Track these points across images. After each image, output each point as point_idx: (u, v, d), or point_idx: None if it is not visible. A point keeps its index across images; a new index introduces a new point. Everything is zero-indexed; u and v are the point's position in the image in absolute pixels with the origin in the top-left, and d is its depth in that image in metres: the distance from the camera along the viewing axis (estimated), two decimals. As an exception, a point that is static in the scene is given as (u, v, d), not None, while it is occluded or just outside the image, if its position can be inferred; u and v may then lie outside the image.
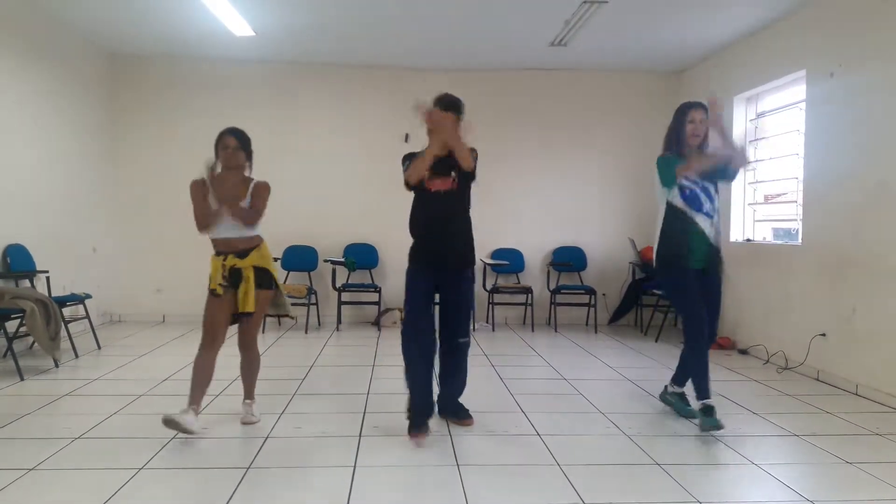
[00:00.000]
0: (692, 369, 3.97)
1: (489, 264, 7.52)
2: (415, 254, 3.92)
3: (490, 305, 7.62)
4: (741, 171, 4.06)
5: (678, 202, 3.90)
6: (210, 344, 3.81)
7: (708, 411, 3.79)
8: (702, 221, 3.88)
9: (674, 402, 4.18)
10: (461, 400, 4.00)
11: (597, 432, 3.83)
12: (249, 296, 3.80)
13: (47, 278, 5.81)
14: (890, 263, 4.56)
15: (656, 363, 5.73)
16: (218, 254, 3.86)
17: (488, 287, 7.58)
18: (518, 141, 7.95)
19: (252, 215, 3.82)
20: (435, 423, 3.89)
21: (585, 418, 4.09)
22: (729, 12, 5.82)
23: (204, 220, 3.84)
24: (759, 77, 6.28)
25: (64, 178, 6.57)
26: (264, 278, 3.89)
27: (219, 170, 3.85)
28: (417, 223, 3.94)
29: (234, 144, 3.80)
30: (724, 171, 3.93)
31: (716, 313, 4.02)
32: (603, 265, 7.98)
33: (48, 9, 6.05)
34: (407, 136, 7.71)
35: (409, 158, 3.95)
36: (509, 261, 7.66)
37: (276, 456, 3.36)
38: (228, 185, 3.81)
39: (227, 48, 7.03)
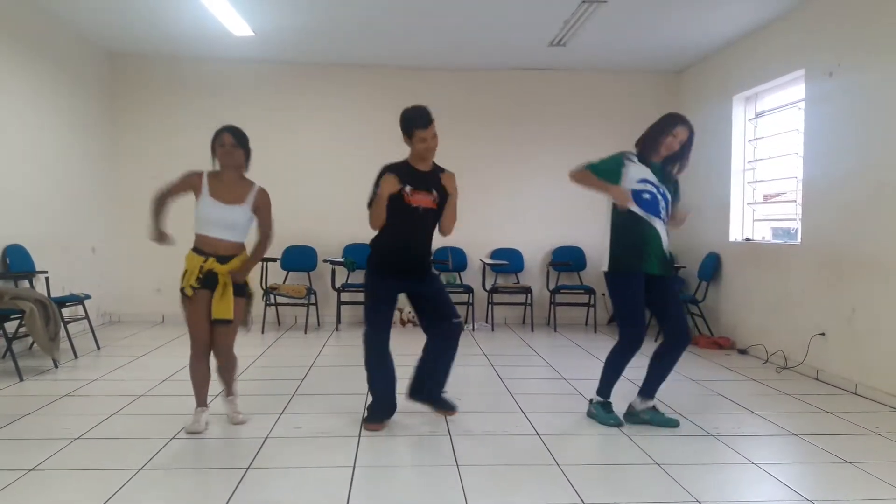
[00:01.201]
0: (615, 368, 3.92)
1: (488, 264, 7.52)
2: (382, 264, 3.92)
3: (489, 305, 7.62)
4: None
5: (635, 208, 3.83)
6: (201, 351, 3.71)
7: (608, 407, 3.94)
8: (659, 227, 3.84)
9: (649, 418, 3.93)
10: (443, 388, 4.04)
11: (596, 432, 3.83)
12: (227, 302, 3.65)
13: (46, 279, 5.81)
14: (889, 263, 4.57)
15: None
16: (198, 252, 3.70)
17: (487, 287, 7.58)
18: (517, 140, 7.95)
19: (264, 247, 3.85)
20: (435, 423, 3.90)
21: (585, 418, 4.08)
22: (728, 12, 5.83)
23: (153, 214, 3.85)
24: (758, 76, 6.28)
25: (63, 178, 6.56)
26: (241, 287, 3.76)
27: (217, 168, 3.78)
28: (392, 235, 3.90)
29: (231, 142, 3.70)
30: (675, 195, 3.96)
31: (682, 314, 3.98)
32: (602, 265, 7.96)
33: (48, 8, 6.05)
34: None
35: (382, 174, 3.99)
36: (508, 261, 7.67)
37: (275, 456, 3.36)
38: (226, 185, 3.74)
39: (227, 48, 7.03)
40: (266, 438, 3.60)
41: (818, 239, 5.32)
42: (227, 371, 3.86)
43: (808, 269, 5.42)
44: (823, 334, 5.21)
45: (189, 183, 3.75)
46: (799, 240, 5.63)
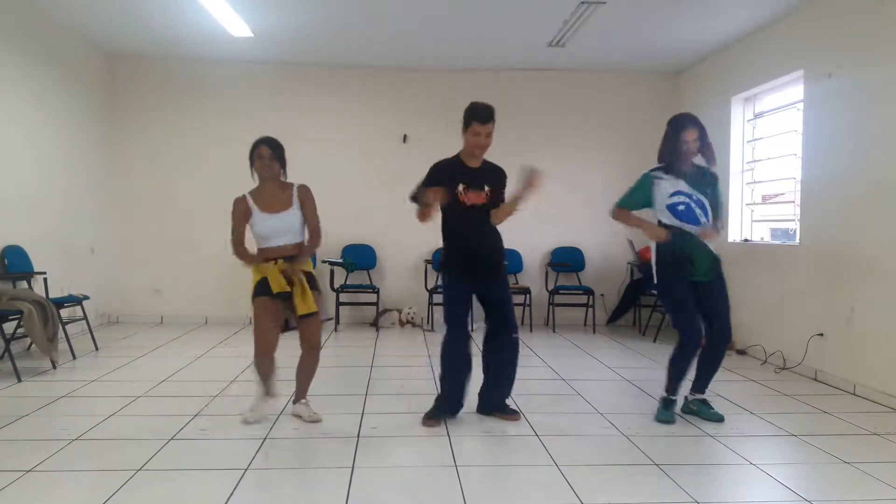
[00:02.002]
0: (679, 371, 4.00)
1: None
2: (450, 264, 3.95)
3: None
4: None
5: (669, 219, 3.92)
6: (269, 352, 3.89)
7: (669, 404, 4.02)
8: (698, 234, 3.91)
9: (697, 409, 4.10)
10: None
11: (595, 433, 3.83)
12: (308, 297, 3.83)
13: (45, 279, 5.80)
14: (888, 263, 4.57)
15: (655, 363, 5.74)
16: (267, 260, 3.84)
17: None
18: (516, 141, 7.92)
19: (315, 242, 3.97)
20: (436, 423, 3.90)
21: (584, 419, 4.09)
22: (727, 13, 5.83)
23: (236, 248, 3.88)
24: (756, 77, 6.29)
25: (62, 179, 6.56)
26: (313, 282, 3.95)
27: (255, 179, 3.94)
28: (453, 236, 3.96)
29: (269, 154, 3.86)
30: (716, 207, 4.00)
31: (727, 314, 4.02)
32: (601, 266, 7.99)
33: (46, 10, 6.04)
34: (405, 137, 7.72)
35: (434, 171, 4.06)
36: (508, 261, 7.65)
37: (274, 457, 3.36)
38: (270, 195, 3.89)
39: (225, 49, 7.03)
40: (265, 439, 3.59)
41: (817, 240, 5.32)
42: (310, 369, 4.00)
43: (806, 269, 5.42)
44: (822, 335, 5.21)
45: (241, 211, 3.89)
46: (797, 240, 5.63)
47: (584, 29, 6.22)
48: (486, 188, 3.91)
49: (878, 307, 4.66)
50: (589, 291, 7.56)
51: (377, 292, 7.50)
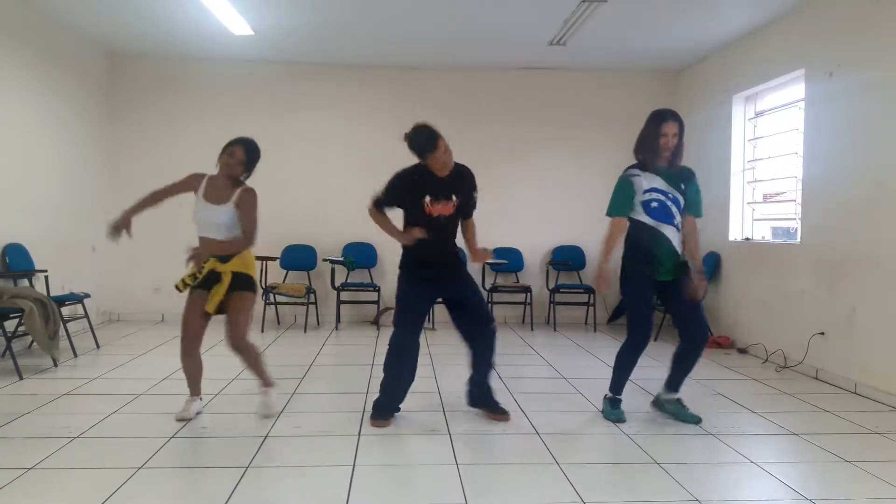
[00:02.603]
0: (623, 365, 4.00)
1: (488, 263, 7.52)
2: (411, 270, 3.93)
3: (489, 304, 7.61)
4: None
5: (642, 216, 3.89)
6: (188, 347, 3.86)
7: (616, 403, 4.02)
8: (670, 233, 3.87)
9: (672, 410, 4.05)
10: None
11: (596, 431, 3.83)
12: (216, 298, 3.78)
13: (46, 277, 5.81)
14: (889, 262, 4.57)
15: (655, 362, 5.72)
16: (197, 254, 3.84)
17: (487, 286, 7.57)
18: (516, 140, 7.95)
19: (243, 242, 3.85)
20: (434, 422, 3.90)
21: (584, 417, 4.09)
22: (728, 12, 5.82)
23: (139, 202, 4.05)
24: (758, 76, 6.28)
25: (62, 177, 6.56)
26: (246, 282, 3.87)
27: (215, 171, 3.91)
28: (417, 245, 3.89)
29: (240, 158, 3.85)
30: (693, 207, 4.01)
31: (700, 314, 3.98)
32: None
33: (47, 8, 6.04)
34: (406, 136, 7.70)
35: (396, 182, 3.99)
36: (508, 260, 7.66)
37: (275, 455, 3.36)
38: (218, 187, 3.87)
39: (226, 47, 7.03)
40: (266, 437, 3.59)
41: (818, 238, 5.32)
42: (252, 363, 3.96)
43: (807, 268, 5.42)
44: (823, 334, 5.21)
45: (190, 183, 3.90)
46: (798, 239, 5.63)
47: (584, 28, 6.21)
48: (454, 198, 3.87)
49: (879, 306, 4.65)
50: (590, 290, 7.56)
51: (378, 291, 7.50)
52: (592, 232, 7.93)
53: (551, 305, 7.65)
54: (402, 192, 3.92)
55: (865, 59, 4.86)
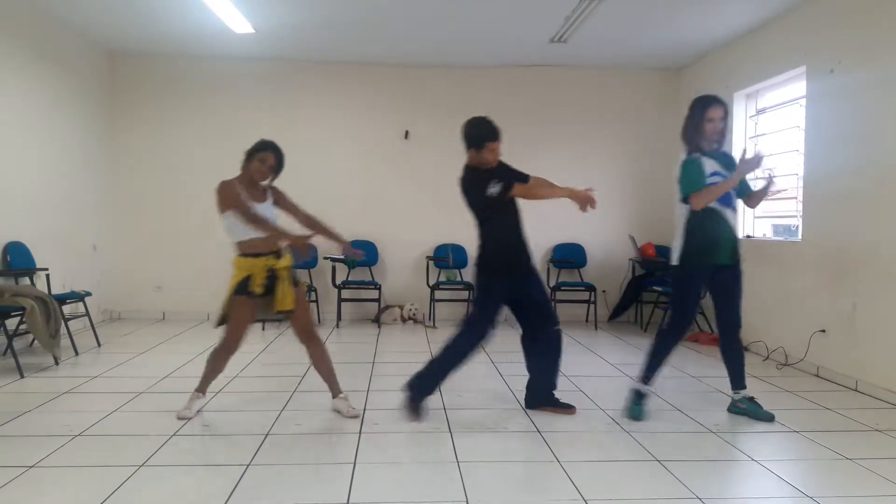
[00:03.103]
0: (657, 355, 4.02)
1: None
2: (505, 265, 4.01)
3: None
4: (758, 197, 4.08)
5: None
6: (236, 348, 3.91)
7: (642, 398, 4.01)
8: (730, 217, 3.92)
9: (746, 408, 4.05)
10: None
11: (597, 429, 3.83)
12: (288, 294, 3.83)
13: (47, 276, 5.81)
14: (890, 260, 4.56)
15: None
16: (254, 255, 3.80)
17: (488, 284, 7.56)
18: (518, 137, 7.89)
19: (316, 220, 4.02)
20: (436, 420, 3.90)
21: (586, 415, 4.09)
22: (729, 9, 5.81)
23: (265, 224, 3.80)
24: (759, 73, 6.27)
25: (64, 175, 6.56)
26: (295, 276, 3.98)
27: (239, 174, 3.92)
28: (512, 232, 4.09)
29: (273, 164, 3.89)
30: (746, 192, 4.05)
31: (739, 303, 4.04)
32: (603, 262, 7.98)
33: (48, 6, 6.04)
34: (407, 133, 7.72)
35: (498, 179, 4.05)
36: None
37: (276, 453, 3.36)
38: (252, 188, 3.90)
39: (227, 46, 7.02)
40: (267, 435, 3.60)
41: (819, 236, 5.32)
42: (326, 363, 4.02)
43: (808, 265, 5.42)
44: (824, 331, 5.20)
45: (238, 193, 3.83)
46: (800, 237, 5.62)
47: (585, 25, 6.21)
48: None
49: (880, 303, 4.65)
50: (591, 288, 7.55)
51: (379, 288, 7.50)
52: (593, 230, 7.96)
53: (552, 303, 7.63)
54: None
55: (867, 56, 4.85)
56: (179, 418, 3.84)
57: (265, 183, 3.97)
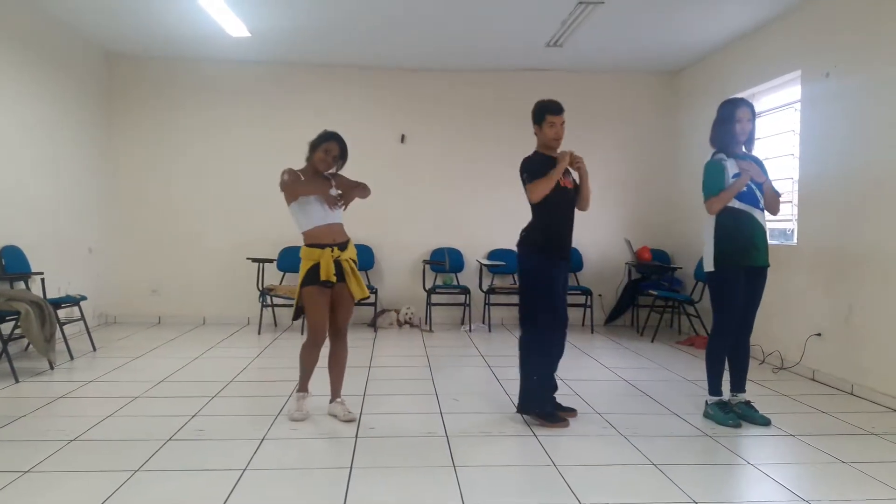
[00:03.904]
0: (718, 361, 4.05)
1: (485, 265, 7.52)
2: (552, 250, 4.04)
3: (486, 306, 7.61)
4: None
5: (737, 204, 3.90)
6: (322, 339, 3.94)
7: (725, 406, 4.02)
8: (760, 217, 3.94)
9: (742, 413, 4.05)
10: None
11: (593, 432, 3.83)
12: (361, 282, 3.95)
13: (42, 280, 5.79)
14: (885, 263, 4.58)
15: (652, 363, 5.74)
16: (320, 246, 3.86)
17: (484, 288, 7.57)
18: (514, 141, 7.93)
19: (361, 190, 4.06)
20: (431, 424, 3.90)
21: (581, 418, 4.09)
22: (725, 13, 5.84)
23: (301, 185, 3.86)
24: (754, 77, 6.29)
25: (59, 178, 6.55)
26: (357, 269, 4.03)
27: (305, 166, 3.98)
28: (556, 218, 4.10)
29: (337, 154, 3.94)
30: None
31: (755, 311, 4.05)
32: (599, 266, 7.99)
33: (45, 8, 6.03)
34: (403, 137, 7.72)
35: (528, 168, 4.17)
36: (505, 261, 7.65)
37: (272, 457, 3.35)
38: (314, 179, 3.93)
39: (223, 49, 7.03)
40: (263, 440, 3.59)
41: (814, 240, 5.33)
42: (342, 362, 4.07)
43: (804, 269, 5.43)
44: (820, 335, 5.22)
45: (297, 175, 3.89)
46: (795, 240, 5.64)
47: (582, 29, 6.22)
48: (571, 174, 4.26)
49: (876, 307, 4.66)
50: (587, 291, 7.56)
51: (375, 293, 7.50)
52: (589, 233, 7.97)
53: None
54: (543, 166, 4.11)
55: (862, 60, 4.88)
56: (292, 420, 3.89)
57: (330, 171, 4.01)
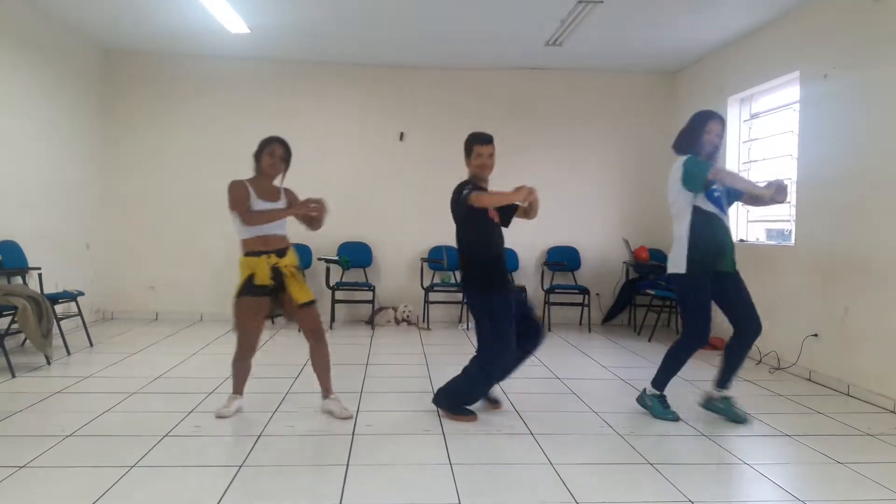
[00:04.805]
0: (676, 363, 4.06)
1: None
2: (496, 280, 3.97)
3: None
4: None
5: (708, 206, 3.90)
6: (252, 352, 4.00)
7: (665, 401, 4.07)
8: (729, 223, 3.98)
9: (723, 408, 4.10)
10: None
11: (590, 431, 3.84)
12: (303, 287, 3.92)
13: (39, 275, 5.79)
14: (882, 264, 4.59)
15: (649, 363, 5.75)
16: (257, 254, 3.86)
17: (482, 286, 7.57)
18: (512, 140, 7.94)
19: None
20: (429, 422, 3.90)
21: (578, 417, 4.09)
22: (723, 14, 5.84)
23: (256, 216, 3.82)
24: (753, 78, 6.30)
25: (57, 174, 6.54)
26: (303, 274, 4.05)
27: (256, 173, 3.96)
28: (493, 248, 4.02)
29: (281, 155, 3.93)
30: (738, 193, 4.02)
31: (753, 306, 4.04)
32: (597, 265, 7.99)
33: (43, 5, 6.02)
34: (402, 135, 7.72)
35: (468, 189, 3.99)
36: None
37: (268, 454, 3.35)
38: (265, 186, 3.94)
39: (222, 45, 7.02)
40: (259, 437, 3.59)
41: (812, 240, 5.34)
42: (326, 362, 4.07)
43: (801, 270, 5.44)
44: (816, 335, 5.22)
45: (246, 194, 3.87)
46: (793, 241, 5.65)
47: (581, 28, 6.22)
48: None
49: (873, 308, 4.67)
50: (584, 291, 7.57)
51: (373, 290, 7.50)
52: (588, 233, 7.99)
53: (546, 306, 7.66)
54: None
55: (860, 61, 4.88)
56: (218, 417, 3.89)
57: (278, 183, 4.02)
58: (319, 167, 7.73)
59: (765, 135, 6.41)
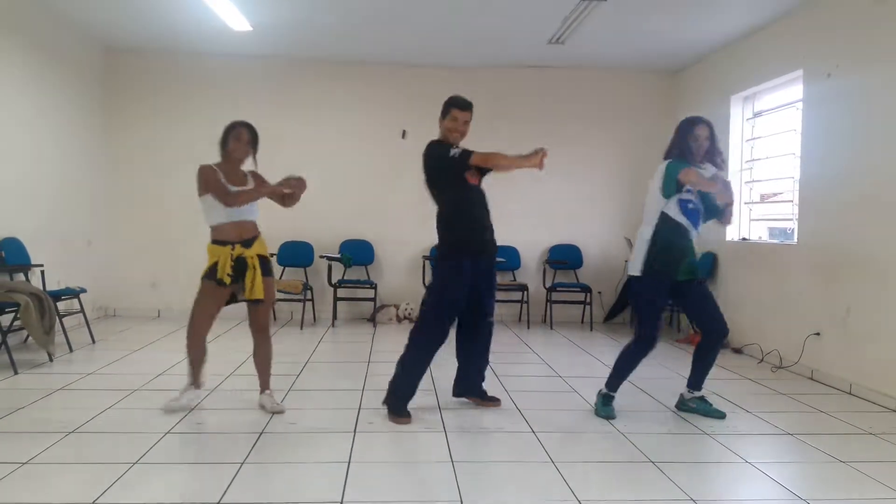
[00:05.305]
0: (626, 366, 4.07)
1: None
2: (461, 247, 3.89)
3: (486, 302, 7.61)
4: (729, 213, 4.05)
5: (678, 216, 3.88)
6: (201, 333, 4.00)
7: (609, 400, 4.08)
8: (694, 238, 3.95)
9: (697, 407, 4.12)
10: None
11: (591, 429, 3.84)
12: (258, 283, 3.88)
13: (42, 272, 5.79)
14: (884, 263, 4.58)
15: (651, 361, 5.73)
16: (222, 243, 3.86)
17: (484, 284, 7.57)
18: (514, 138, 7.92)
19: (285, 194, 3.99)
20: (430, 419, 3.90)
21: (580, 415, 4.09)
22: (727, 12, 5.83)
23: (235, 196, 3.81)
24: (756, 76, 6.29)
25: (59, 171, 6.54)
26: (266, 266, 4.00)
27: (222, 158, 3.95)
28: (465, 215, 3.95)
29: (247, 139, 3.91)
30: (719, 211, 4.00)
31: (718, 310, 4.04)
32: (599, 263, 7.99)
33: (44, 3, 6.02)
34: (404, 133, 7.70)
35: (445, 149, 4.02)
36: (505, 258, 7.64)
37: (270, 451, 3.36)
38: (233, 171, 3.94)
39: (224, 43, 7.01)
40: (261, 433, 3.59)
41: (814, 239, 5.33)
42: (267, 358, 4.09)
43: (803, 269, 5.43)
44: (818, 334, 5.22)
45: (217, 173, 3.87)
46: (795, 240, 5.64)
47: (584, 26, 6.21)
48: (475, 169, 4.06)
49: (875, 307, 4.66)
50: (586, 289, 7.56)
51: (375, 288, 7.50)
52: (590, 231, 7.99)
53: (548, 304, 7.66)
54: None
55: (863, 60, 4.87)
56: (167, 410, 3.88)
57: (245, 168, 3.99)
58: (321, 164, 7.73)
59: (768, 133, 6.40)
